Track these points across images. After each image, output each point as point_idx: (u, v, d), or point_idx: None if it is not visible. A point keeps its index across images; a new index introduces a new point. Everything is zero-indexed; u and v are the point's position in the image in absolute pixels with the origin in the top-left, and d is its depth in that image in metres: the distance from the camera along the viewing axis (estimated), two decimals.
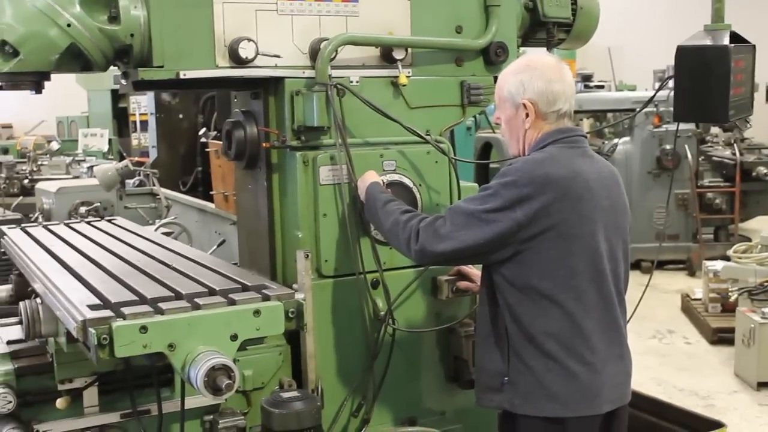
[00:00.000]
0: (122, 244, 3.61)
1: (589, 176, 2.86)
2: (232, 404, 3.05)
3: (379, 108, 3.27)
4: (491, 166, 9.45)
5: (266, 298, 2.68)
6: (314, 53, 3.22)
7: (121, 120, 12.84)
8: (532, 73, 2.92)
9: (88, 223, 4.29)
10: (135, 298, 2.62)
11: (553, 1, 3.80)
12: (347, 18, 3.32)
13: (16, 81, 2.99)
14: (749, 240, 9.12)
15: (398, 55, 3.35)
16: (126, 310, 2.48)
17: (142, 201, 6.54)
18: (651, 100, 4.03)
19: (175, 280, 2.85)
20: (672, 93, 3.49)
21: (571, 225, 2.80)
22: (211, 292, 2.71)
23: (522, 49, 3.85)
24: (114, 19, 2.97)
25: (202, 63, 3.07)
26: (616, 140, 10.75)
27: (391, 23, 3.39)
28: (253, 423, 3.02)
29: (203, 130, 6.05)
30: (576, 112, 3.03)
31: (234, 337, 2.54)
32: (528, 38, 3.88)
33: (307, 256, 2.98)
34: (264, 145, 3.30)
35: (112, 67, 3.15)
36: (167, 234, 4.84)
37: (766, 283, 7.09)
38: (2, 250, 4.06)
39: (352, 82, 3.30)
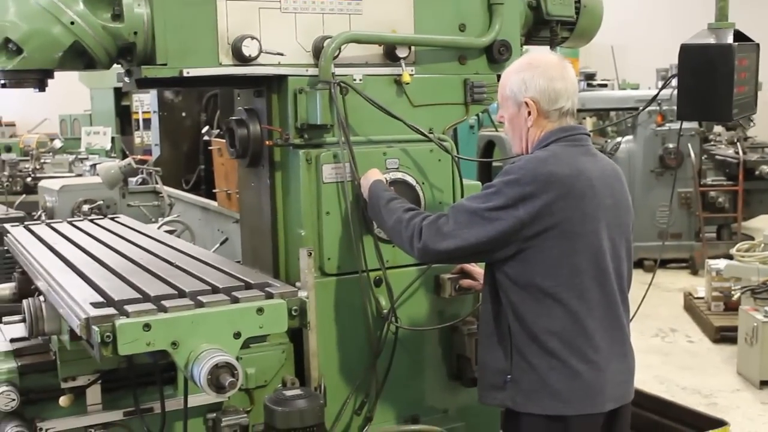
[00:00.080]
0: (125, 242, 3.61)
1: (593, 174, 2.86)
2: (234, 402, 3.05)
3: (383, 106, 3.27)
4: (494, 164, 9.44)
5: (269, 296, 2.68)
6: (317, 51, 3.22)
7: (124, 118, 12.86)
8: (534, 72, 2.92)
9: (91, 221, 4.29)
10: (138, 296, 2.62)
11: None
12: (350, 16, 3.31)
13: (19, 78, 2.99)
14: (752, 239, 9.09)
15: (401, 53, 3.35)
16: (129, 308, 2.48)
17: (145, 199, 6.54)
18: (654, 98, 4.03)
19: (178, 278, 2.85)
20: (675, 91, 3.48)
21: (574, 223, 2.79)
22: (215, 290, 2.71)
23: (525, 47, 3.85)
24: (117, 16, 2.97)
25: (206, 61, 3.07)
26: (619, 139, 10.74)
27: (395, 21, 3.39)
28: (255, 421, 3.01)
29: (206, 128, 6.07)
30: (579, 110, 3.03)
31: (237, 335, 2.54)
32: (531, 36, 3.88)
33: (310, 254, 2.98)
34: (267, 143, 3.30)
35: (115, 65, 3.15)
36: (170, 232, 4.84)
37: None
38: (5, 248, 4.06)
39: (355, 80, 3.30)
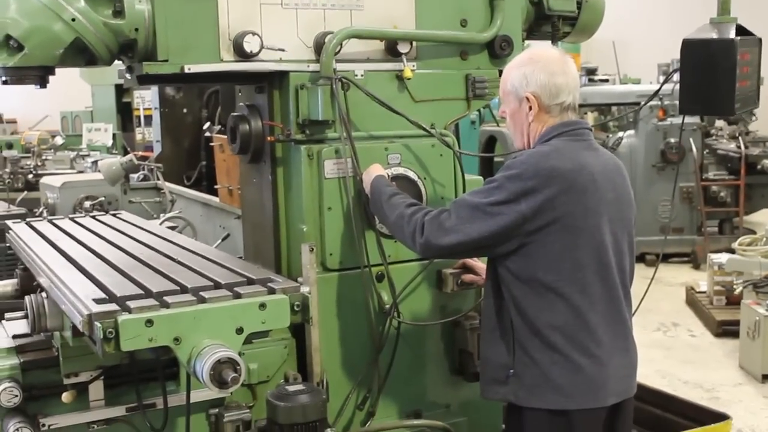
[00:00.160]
0: (127, 238, 3.61)
1: (594, 169, 2.86)
2: (237, 398, 3.06)
3: (384, 101, 3.27)
4: (495, 159, 9.45)
5: (272, 291, 2.68)
6: (319, 47, 3.22)
7: (125, 115, 12.88)
8: (535, 66, 2.92)
9: (93, 217, 4.29)
10: (140, 291, 2.62)
11: None
12: (352, 11, 3.31)
13: (20, 75, 2.99)
14: (754, 233, 9.12)
15: (403, 48, 3.35)
16: (131, 304, 2.48)
17: (146, 195, 6.55)
18: (656, 93, 4.02)
19: (180, 274, 2.85)
20: (677, 86, 3.48)
21: (576, 218, 2.79)
22: (217, 285, 2.71)
23: (527, 42, 3.84)
24: (118, 13, 2.97)
25: (207, 57, 3.07)
26: (620, 134, 10.74)
27: (396, 17, 3.39)
28: (258, 416, 3.01)
29: (207, 124, 6.06)
30: (580, 105, 3.03)
31: (239, 331, 2.54)
32: (533, 31, 3.87)
33: (312, 249, 2.98)
34: (269, 138, 3.30)
35: (116, 62, 3.15)
36: (172, 228, 4.84)
37: None
38: (7, 244, 4.07)
39: (356, 75, 3.30)
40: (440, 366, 3.55)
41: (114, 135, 11.61)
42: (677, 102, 3.54)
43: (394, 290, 3.31)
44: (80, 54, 2.99)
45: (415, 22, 3.42)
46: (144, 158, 7.45)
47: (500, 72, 3.16)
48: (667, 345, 7.76)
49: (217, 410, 3.01)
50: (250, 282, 2.76)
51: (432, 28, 3.44)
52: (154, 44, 2.99)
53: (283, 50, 3.18)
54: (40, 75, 3.03)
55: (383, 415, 3.39)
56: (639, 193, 9.14)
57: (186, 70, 3.02)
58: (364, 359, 3.34)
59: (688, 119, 9.79)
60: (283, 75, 3.25)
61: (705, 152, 10.57)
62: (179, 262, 3.06)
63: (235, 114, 3.42)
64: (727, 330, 7.72)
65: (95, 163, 8.27)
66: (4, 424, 2.83)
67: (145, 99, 11.74)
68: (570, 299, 2.81)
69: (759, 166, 10.33)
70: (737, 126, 10.90)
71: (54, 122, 13.81)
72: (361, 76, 3.31)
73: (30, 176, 8.76)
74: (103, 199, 6.18)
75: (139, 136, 12.31)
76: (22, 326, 3.11)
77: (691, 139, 10.18)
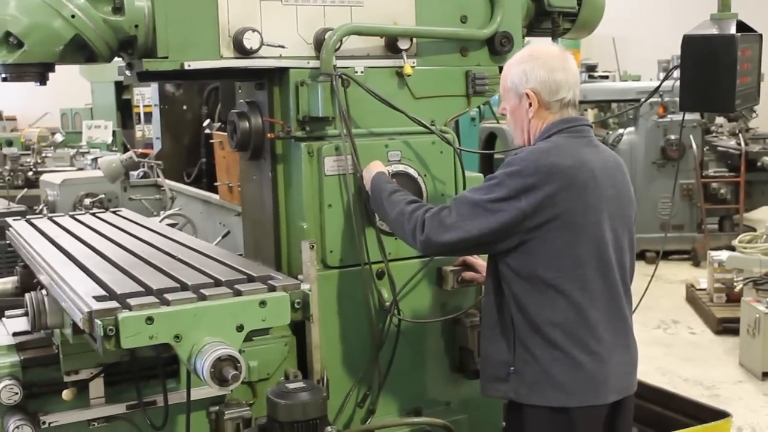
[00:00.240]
0: (127, 236, 3.61)
1: (595, 166, 2.85)
2: (237, 395, 3.06)
3: (384, 98, 3.26)
4: (495, 156, 9.45)
5: (272, 288, 2.68)
6: (319, 43, 3.22)
7: (125, 112, 12.86)
8: (535, 63, 2.92)
9: (93, 214, 4.29)
10: (141, 289, 2.62)
11: None
12: (352, 8, 3.31)
13: (20, 72, 2.98)
14: (754, 230, 9.12)
15: (403, 45, 3.34)
16: (132, 301, 2.48)
17: (146, 192, 6.56)
18: (657, 90, 4.02)
19: (180, 271, 2.85)
20: (677, 83, 3.48)
21: (577, 214, 2.79)
22: (217, 282, 2.71)
23: (527, 39, 3.84)
24: (118, 10, 2.96)
25: (207, 54, 3.06)
26: (620, 130, 10.73)
27: (396, 13, 3.38)
28: (258, 414, 3.02)
29: (207, 121, 6.06)
30: (580, 102, 3.03)
31: (240, 328, 2.54)
32: (533, 28, 3.87)
33: (312, 246, 2.98)
34: (269, 135, 3.30)
35: (116, 59, 3.14)
36: (172, 225, 4.84)
37: None
38: (8, 242, 4.06)
39: (356, 72, 3.29)
40: (440, 363, 3.55)
41: (114, 132, 11.59)
42: (677, 99, 3.53)
43: (394, 287, 3.31)
44: (80, 51, 2.99)
45: (415, 18, 3.42)
46: (144, 155, 7.46)
47: (500, 69, 3.16)
48: (668, 342, 7.76)
49: (217, 408, 3.01)
50: (251, 279, 2.76)
51: (432, 24, 3.44)
52: (153, 41, 2.98)
53: (283, 47, 3.18)
54: (39, 72, 3.02)
55: (383, 413, 3.39)
56: (639, 190, 9.12)
57: (186, 67, 3.02)
58: (364, 357, 3.34)
59: (689, 116, 9.79)
60: (283, 72, 3.24)
61: (705, 149, 10.57)
62: (179, 260, 3.06)
63: (235, 111, 3.41)
64: (727, 327, 7.72)
65: (95, 160, 8.26)
66: (4, 421, 2.83)
67: (145, 96, 11.73)
68: (570, 296, 2.81)
69: (759, 163, 10.32)
70: (737, 123, 10.89)
71: (54, 119, 13.81)
72: (361, 72, 3.31)
73: (30, 173, 8.75)
74: (103, 196, 6.18)
75: (139, 133, 12.31)
76: (22, 324, 3.11)
77: (691, 136, 10.18)
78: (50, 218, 4.15)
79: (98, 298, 2.52)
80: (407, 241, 3.04)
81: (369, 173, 3.21)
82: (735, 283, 7.57)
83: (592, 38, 4.41)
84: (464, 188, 3.42)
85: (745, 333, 6.89)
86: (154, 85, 7.55)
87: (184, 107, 7.42)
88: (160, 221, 4.84)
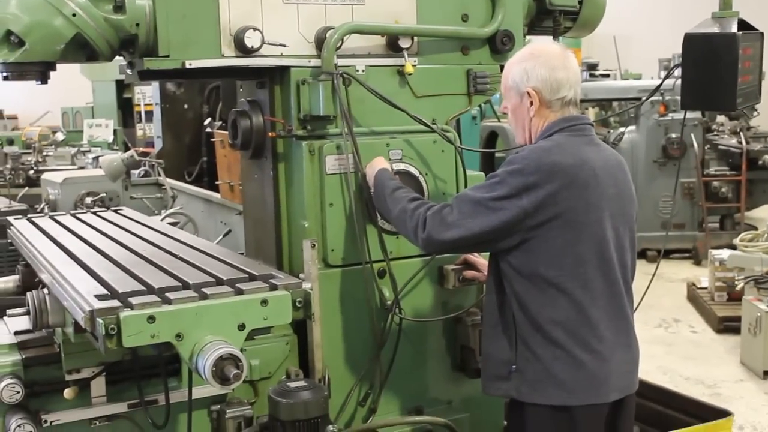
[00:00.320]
0: (128, 234, 3.61)
1: (596, 164, 2.85)
2: (239, 394, 3.06)
3: (386, 97, 3.26)
4: (497, 155, 9.44)
5: (273, 287, 2.68)
6: (320, 42, 3.21)
7: (126, 110, 12.84)
8: (536, 61, 2.92)
9: (95, 213, 4.29)
10: (142, 288, 2.62)
11: None
12: (353, 6, 3.30)
13: (21, 71, 2.99)
14: (755, 229, 9.09)
15: (404, 43, 3.34)
16: (133, 300, 2.48)
17: (147, 191, 6.56)
18: (658, 88, 4.01)
19: (182, 270, 2.85)
20: (678, 81, 3.47)
21: (578, 213, 2.79)
22: (218, 281, 2.71)
23: (528, 37, 3.84)
24: (119, 8, 2.96)
25: (208, 52, 3.06)
26: (621, 129, 10.73)
27: (397, 12, 3.38)
28: (260, 413, 3.01)
29: (208, 120, 6.06)
30: (581, 101, 3.02)
31: (241, 327, 2.54)
32: (534, 27, 3.86)
33: (314, 245, 2.98)
34: (270, 134, 3.30)
35: (117, 57, 3.14)
36: (173, 224, 4.84)
37: None
38: (9, 240, 4.06)
39: (358, 71, 3.29)
40: (442, 362, 3.55)
41: (115, 131, 11.59)
42: (678, 97, 3.53)
43: (395, 286, 3.31)
44: (81, 49, 2.99)
45: (416, 17, 3.42)
46: (145, 154, 7.46)
47: (501, 67, 3.16)
48: (669, 341, 7.76)
49: (218, 407, 3.00)
50: (252, 278, 2.76)
51: (433, 23, 3.44)
52: (155, 39, 2.98)
53: (284, 45, 3.17)
54: (41, 71, 3.02)
55: (385, 412, 3.39)
56: (640, 189, 9.12)
57: (187, 66, 3.02)
58: (365, 355, 3.34)
59: (690, 114, 9.78)
60: (284, 70, 3.24)
61: (706, 148, 10.57)
62: (181, 258, 3.06)
63: (236, 109, 3.41)
64: (728, 326, 7.72)
65: (96, 159, 8.26)
66: (6, 420, 2.84)
67: (146, 95, 11.73)
68: (572, 295, 2.81)
69: (760, 162, 10.33)
70: (739, 121, 10.89)
71: (55, 118, 13.80)
72: (363, 71, 3.31)
73: (31, 172, 8.74)
74: (104, 195, 6.18)
75: (140, 132, 12.30)
76: (23, 322, 3.11)
77: (692, 135, 10.17)
78: (51, 217, 4.15)
79: (100, 297, 2.52)
80: (409, 239, 3.04)
81: (372, 169, 3.21)
82: (736, 282, 7.57)
83: (593, 37, 4.41)
84: (465, 187, 3.42)
85: (747, 332, 6.89)
86: (155, 84, 7.55)
87: (185, 106, 7.42)
88: (162, 220, 4.85)
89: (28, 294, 2.89)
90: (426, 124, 3.34)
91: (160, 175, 6.55)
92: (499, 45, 3.52)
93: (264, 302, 2.59)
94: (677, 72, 3.48)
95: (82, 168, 8.55)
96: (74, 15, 2.88)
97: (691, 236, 10.49)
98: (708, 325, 8.08)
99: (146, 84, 10.21)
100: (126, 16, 2.95)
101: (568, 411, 2.83)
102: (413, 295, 3.42)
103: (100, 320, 2.38)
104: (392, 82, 3.38)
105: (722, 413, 3.60)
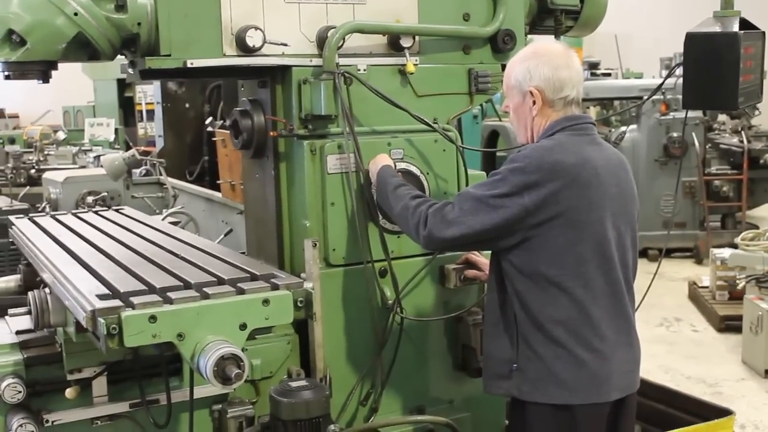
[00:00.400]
0: (130, 234, 3.61)
1: (598, 163, 2.85)
2: (240, 394, 3.06)
3: (387, 96, 3.26)
4: (498, 154, 9.44)
5: (275, 287, 2.68)
6: (321, 41, 3.21)
7: (128, 109, 12.85)
8: (539, 60, 2.92)
9: (96, 212, 4.29)
10: (144, 287, 2.62)
11: None
12: (354, 6, 3.30)
13: (23, 70, 2.98)
14: (757, 227, 9.10)
15: (405, 43, 3.34)
16: (135, 300, 2.48)
17: (149, 190, 6.55)
18: (659, 87, 4.00)
19: (183, 270, 2.85)
20: (679, 80, 3.47)
21: (580, 212, 2.79)
22: (220, 281, 2.71)
23: (529, 36, 3.83)
24: (121, 7, 2.96)
25: (209, 52, 3.06)
26: (623, 128, 10.73)
27: (399, 11, 3.38)
28: (261, 412, 3.02)
29: (210, 119, 6.04)
30: (583, 100, 3.02)
31: (243, 327, 2.54)
32: (536, 26, 3.86)
33: (315, 245, 2.97)
34: (271, 134, 3.30)
35: (118, 56, 3.14)
36: (174, 223, 4.84)
37: None
38: (10, 240, 4.07)
39: (359, 70, 3.29)
40: (443, 362, 3.55)
41: (116, 130, 11.59)
42: (680, 96, 3.52)
43: (397, 286, 3.31)
44: (83, 49, 2.98)
45: (417, 16, 3.42)
46: (146, 153, 7.45)
47: (503, 66, 3.16)
48: (670, 340, 7.76)
49: (220, 406, 3.01)
50: (254, 278, 2.76)
51: (434, 22, 3.43)
52: (156, 39, 2.98)
53: (285, 45, 3.17)
54: (42, 70, 3.02)
55: (386, 411, 3.39)
56: (641, 188, 9.09)
57: (188, 65, 3.02)
58: (367, 355, 3.34)
59: (691, 113, 9.78)
60: (285, 69, 3.24)
61: (708, 147, 10.57)
62: (182, 258, 3.06)
63: (238, 109, 3.41)
64: (729, 325, 7.72)
65: (98, 158, 8.26)
66: (7, 420, 2.84)
67: (147, 93, 11.73)
68: (573, 294, 2.81)
69: (762, 161, 10.34)
70: (740, 120, 10.89)
71: (56, 117, 13.82)
72: (364, 70, 3.30)
73: (32, 171, 8.72)
74: (105, 194, 6.17)
75: (141, 131, 12.30)
76: (25, 322, 3.11)
77: (693, 134, 10.17)
78: (53, 216, 4.15)
79: (101, 297, 2.52)
80: (411, 236, 3.04)
81: (375, 166, 3.21)
82: (738, 281, 7.56)
83: (595, 36, 4.41)
84: (467, 186, 3.42)
85: (748, 330, 6.89)
86: (157, 83, 7.54)
87: (187, 105, 7.41)
88: (163, 219, 4.84)
89: (30, 293, 2.89)
90: (427, 124, 3.34)
91: (161, 175, 6.55)
92: (501, 44, 3.51)
93: (265, 302, 2.59)
94: (679, 71, 3.48)
95: (83, 167, 8.54)
96: (76, 14, 2.88)
97: (693, 235, 10.49)
98: (709, 324, 8.08)
99: (147, 83, 10.21)
100: (128, 15, 2.95)
101: (569, 410, 2.83)
102: (414, 295, 3.42)
103: (101, 320, 2.38)
104: (394, 82, 3.37)
105: (724, 412, 3.60)
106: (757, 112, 10.74)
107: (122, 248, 3.29)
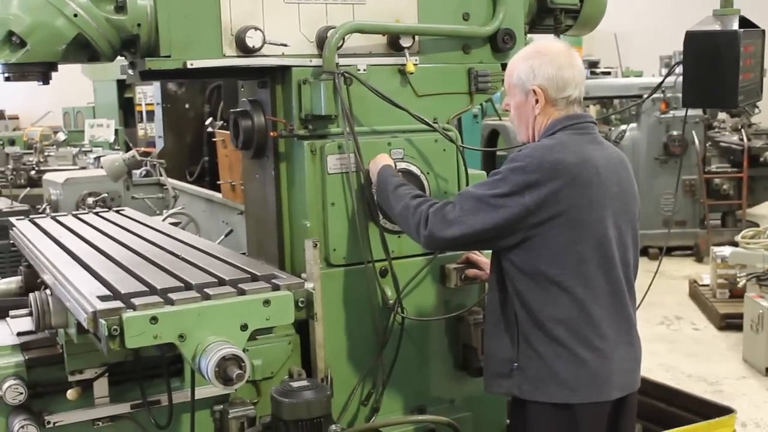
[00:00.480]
0: (130, 235, 3.61)
1: (599, 162, 2.85)
2: (241, 394, 3.06)
3: (387, 96, 3.26)
4: (498, 153, 9.44)
5: (276, 287, 2.68)
6: (321, 42, 3.21)
7: (127, 110, 12.85)
8: (543, 59, 2.92)
9: (96, 213, 4.29)
10: (145, 288, 2.62)
11: None
12: (354, 6, 3.30)
13: (23, 72, 2.98)
14: (757, 225, 9.12)
15: (405, 42, 3.34)
16: (136, 301, 2.48)
17: (149, 191, 6.55)
18: (659, 86, 4.00)
19: (184, 271, 2.85)
20: (679, 79, 3.47)
21: (581, 211, 2.79)
22: (221, 282, 2.71)
23: (529, 36, 3.83)
24: (121, 8, 2.96)
25: (209, 52, 3.06)
26: (623, 127, 10.72)
27: (398, 11, 3.38)
28: (262, 412, 3.02)
29: (210, 119, 6.05)
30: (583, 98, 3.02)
31: (244, 327, 2.54)
32: (535, 25, 3.86)
33: (316, 245, 2.97)
34: (271, 134, 3.30)
35: (118, 57, 3.14)
36: (175, 224, 4.84)
37: None
38: (11, 241, 4.07)
39: (359, 70, 3.29)
40: (444, 361, 3.55)
41: (116, 131, 11.59)
42: (680, 95, 3.53)
43: (397, 285, 3.31)
44: (83, 50, 2.99)
45: (417, 15, 3.41)
46: (146, 154, 7.45)
47: (503, 66, 3.16)
48: (671, 338, 7.76)
49: (221, 407, 3.01)
50: (254, 278, 2.76)
51: (434, 21, 3.43)
52: (156, 40, 2.98)
53: (285, 45, 3.17)
54: (42, 71, 3.02)
55: (387, 411, 3.39)
56: (642, 186, 9.07)
57: (188, 66, 3.02)
58: (368, 355, 3.34)
59: (691, 112, 9.78)
60: (285, 70, 3.24)
61: (708, 145, 10.57)
62: (183, 259, 3.06)
63: (238, 109, 3.41)
64: (730, 323, 7.72)
65: (98, 159, 8.26)
66: (9, 421, 2.84)
67: (147, 94, 11.73)
68: (574, 293, 2.81)
69: (761, 159, 10.33)
70: (740, 118, 10.90)
71: (56, 118, 13.82)
72: (364, 70, 3.30)
73: (32, 173, 8.72)
74: (105, 195, 6.17)
75: (141, 132, 12.30)
76: (26, 323, 3.11)
77: (693, 132, 10.17)
78: (53, 217, 4.15)
79: (102, 298, 2.52)
80: (411, 236, 3.04)
81: (376, 165, 3.21)
82: (738, 279, 7.57)
83: (594, 34, 4.41)
84: (467, 186, 3.42)
85: (749, 329, 6.89)
86: (157, 84, 7.53)
87: (187, 106, 7.40)
88: (163, 220, 4.85)
89: (31, 295, 2.89)
90: (427, 123, 3.34)
91: (161, 175, 6.55)
92: (501, 43, 3.51)
93: (266, 302, 2.59)
94: (678, 69, 3.48)
95: (83, 168, 8.54)
96: (76, 15, 2.88)
97: (693, 233, 10.49)
98: (710, 323, 8.08)
99: (147, 84, 10.21)
100: (127, 16, 2.95)
101: (570, 409, 2.83)
102: (415, 294, 3.42)
103: (102, 321, 2.39)
104: (393, 81, 3.37)
105: (725, 410, 3.60)
106: (756, 110, 10.75)
107: (123, 249, 3.29)
